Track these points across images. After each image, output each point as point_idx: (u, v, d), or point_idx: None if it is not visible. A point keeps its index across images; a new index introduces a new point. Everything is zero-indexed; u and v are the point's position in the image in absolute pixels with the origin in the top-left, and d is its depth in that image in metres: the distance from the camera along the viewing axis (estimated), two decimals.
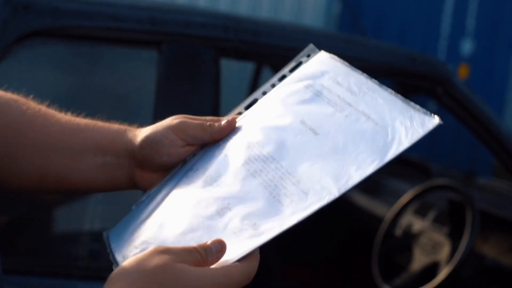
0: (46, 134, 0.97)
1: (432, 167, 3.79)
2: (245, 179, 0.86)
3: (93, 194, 1.96)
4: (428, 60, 2.40)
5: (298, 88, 0.98)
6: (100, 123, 1.01)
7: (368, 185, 3.56)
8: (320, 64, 1.00)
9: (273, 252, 3.24)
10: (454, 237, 2.56)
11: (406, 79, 2.40)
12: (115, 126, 1.01)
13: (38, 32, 1.80)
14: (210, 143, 0.98)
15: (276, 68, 3.53)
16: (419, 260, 2.67)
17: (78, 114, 1.03)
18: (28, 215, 2.29)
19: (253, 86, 3.58)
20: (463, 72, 7.15)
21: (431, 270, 2.57)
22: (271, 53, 2.12)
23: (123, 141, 0.98)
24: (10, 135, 0.96)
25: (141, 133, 0.97)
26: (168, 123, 0.97)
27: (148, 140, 0.96)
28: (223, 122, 0.98)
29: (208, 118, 1.00)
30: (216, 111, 1.94)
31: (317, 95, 0.95)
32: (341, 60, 0.98)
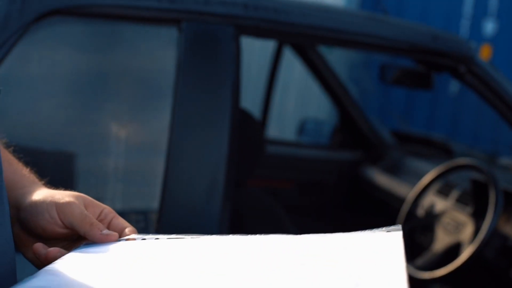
0: None
1: (455, 147, 3.76)
2: None
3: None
4: (451, 38, 2.37)
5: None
6: (15, 163, 1.00)
7: (390, 165, 3.54)
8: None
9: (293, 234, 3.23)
10: (477, 217, 2.54)
11: (428, 57, 2.38)
12: (24, 172, 1.00)
13: (57, 11, 1.79)
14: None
15: (296, 47, 3.51)
16: (441, 240, 2.65)
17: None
18: None
19: (274, 64, 3.56)
20: (485, 52, 7.07)
21: (453, 250, 2.55)
22: (291, 31, 2.10)
23: (17, 191, 0.96)
24: None
25: (33, 195, 0.95)
26: (58, 198, 0.93)
27: (31, 206, 0.93)
28: (104, 231, 0.91)
29: (106, 210, 0.95)
30: (237, 90, 1.92)
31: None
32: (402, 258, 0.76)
